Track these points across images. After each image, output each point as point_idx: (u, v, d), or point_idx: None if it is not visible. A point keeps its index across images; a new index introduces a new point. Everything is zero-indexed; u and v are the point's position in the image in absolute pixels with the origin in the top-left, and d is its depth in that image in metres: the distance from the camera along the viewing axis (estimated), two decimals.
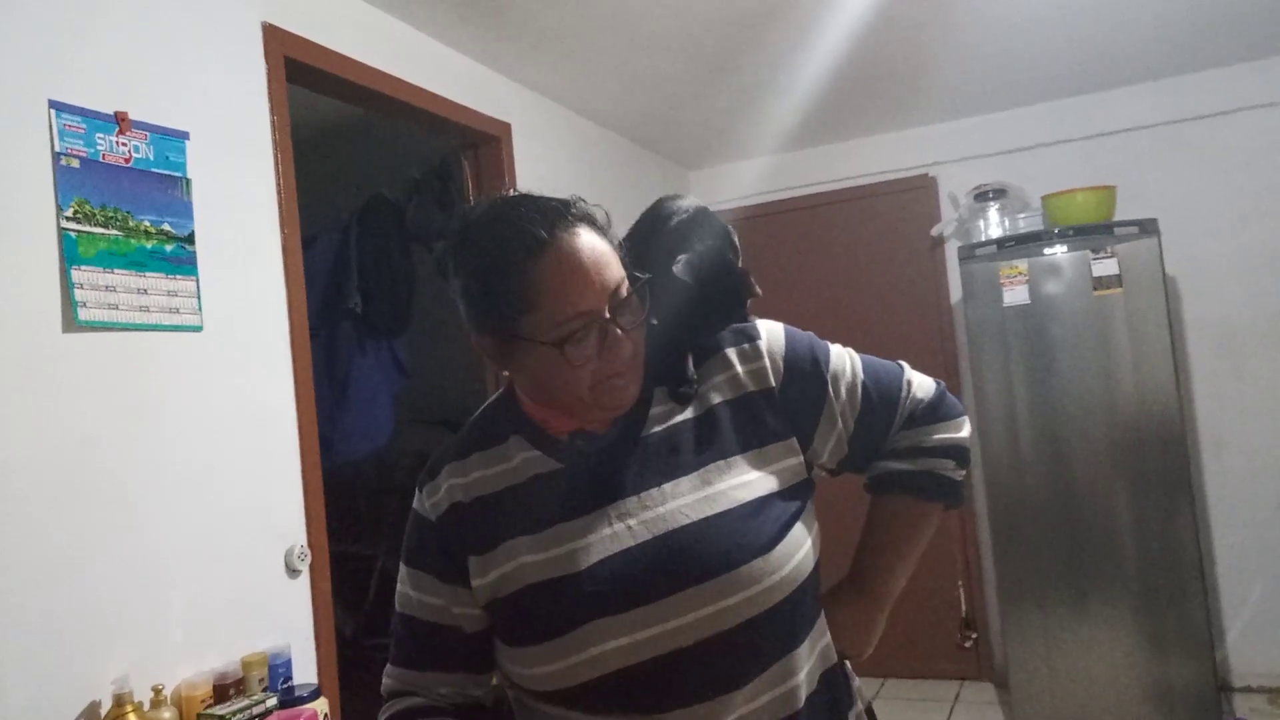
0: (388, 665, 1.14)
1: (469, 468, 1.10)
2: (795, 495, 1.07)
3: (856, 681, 1.18)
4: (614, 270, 1.01)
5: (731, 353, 1.11)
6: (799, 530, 1.05)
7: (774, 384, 1.10)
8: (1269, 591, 3.80)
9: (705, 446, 1.06)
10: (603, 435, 1.08)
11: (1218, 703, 3.34)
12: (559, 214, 1.01)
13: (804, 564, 1.04)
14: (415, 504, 1.14)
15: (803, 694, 1.03)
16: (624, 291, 1.01)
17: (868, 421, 1.13)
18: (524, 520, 1.05)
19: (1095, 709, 3.40)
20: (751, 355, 1.12)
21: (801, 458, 1.10)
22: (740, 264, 1.15)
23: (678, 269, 1.08)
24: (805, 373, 1.12)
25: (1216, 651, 3.58)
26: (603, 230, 1.04)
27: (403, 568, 1.13)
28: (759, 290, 1.13)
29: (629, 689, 0.98)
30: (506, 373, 1.11)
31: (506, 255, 0.99)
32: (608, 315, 0.99)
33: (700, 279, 1.09)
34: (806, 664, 1.05)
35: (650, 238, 1.15)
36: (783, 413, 1.09)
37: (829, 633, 1.12)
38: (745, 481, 1.04)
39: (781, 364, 1.11)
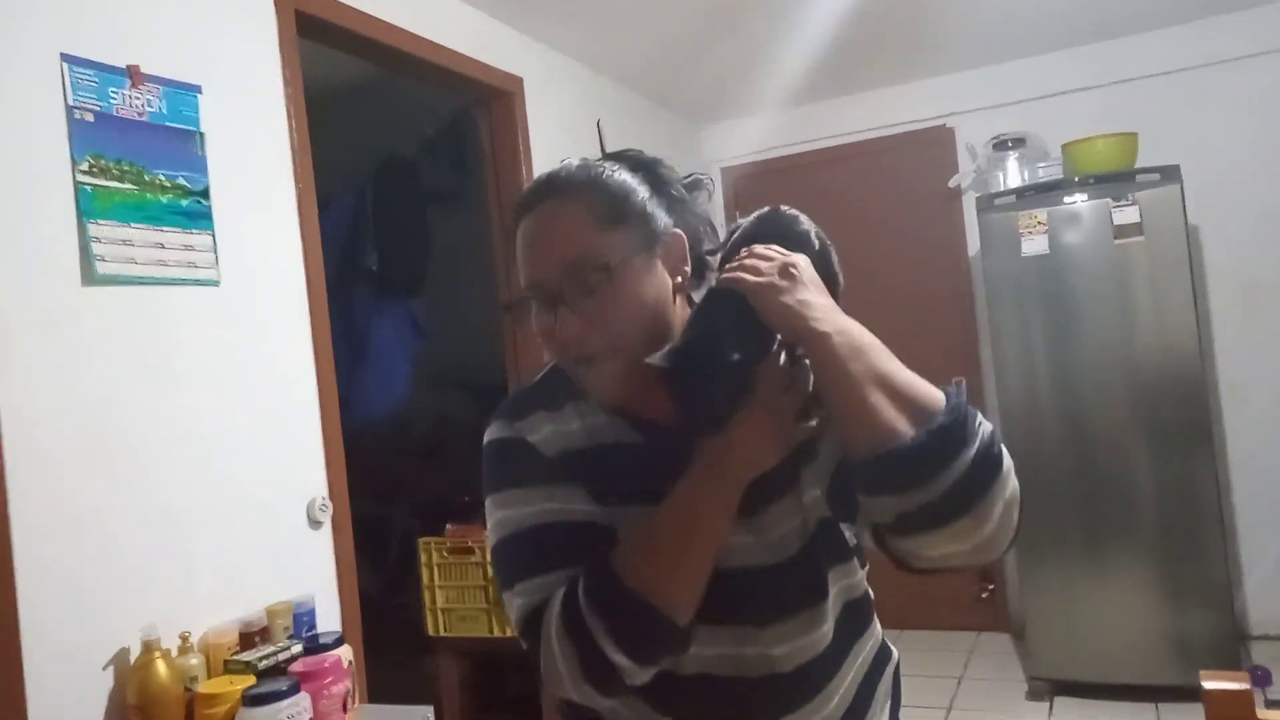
0: (517, 587, 0.98)
1: (567, 419, 1.04)
2: None
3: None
4: (577, 244, 0.96)
5: None
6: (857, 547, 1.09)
7: None
8: None
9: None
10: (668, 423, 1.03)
11: (1235, 651, 3.34)
12: (552, 180, 1.02)
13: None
14: (502, 433, 1.05)
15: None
16: (586, 269, 0.95)
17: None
18: (619, 487, 1.01)
19: (1112, 658, 3.41)
20: None
21: None
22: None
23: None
24: None
25: (1235, 600, 3.58)
26: (606, 202, 0.99)
27: (506, 492, 1.02)
28: None
29: (712, 695, 1.01)
30: None
31: (515, 210, 1.03)
32: (559, 290, 0.96)
33: None
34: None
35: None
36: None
37: None
38: (817, 497, 1.04)
39: None
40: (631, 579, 0.91)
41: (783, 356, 0.96)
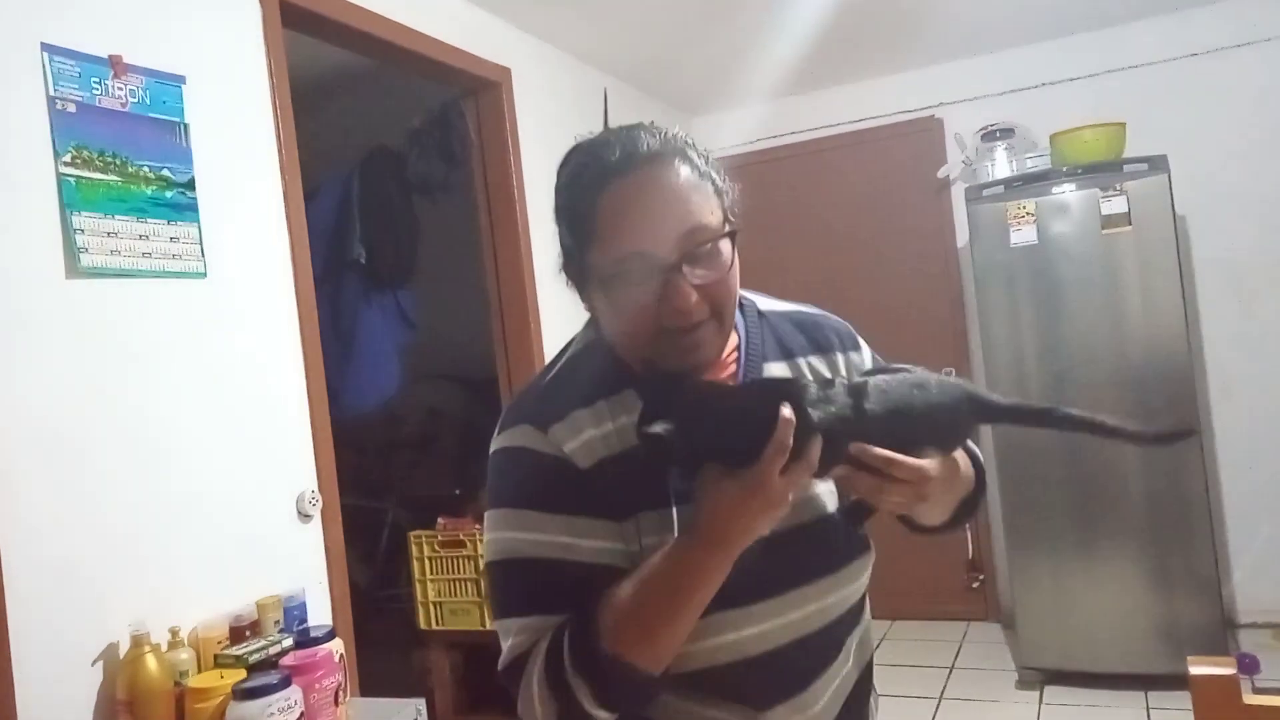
0: (505, 624, 0.98)
1: (602, 418, 0.98)
2: None
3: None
4: (693, 214, 0.93)
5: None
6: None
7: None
8: (1276, 529, 3.82)
9: None
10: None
11: (1223, 639, 3.36)
12: (645, 145, 0.95)
13: None
14: (533, 444, 0.98)
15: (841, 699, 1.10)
16: (703, 238, 0.93)
17: None
18: (653, 491, 0.97)
19: (1101, 647, 3.43)
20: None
21: None
22: None
23: None
24: None
25: (1223, 589, 3.60)
26: (699, 170, 0.96)
27: (521, 511, 0.98)
28: None
29: (744, 677, 1.00)
30: (587, 309, 1.04)
31: (580, 180, 0.96)
32: (674, 260, 0.91)
33: None
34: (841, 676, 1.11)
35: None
36: None
37: None
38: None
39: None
40: (617, 642, 0.90)
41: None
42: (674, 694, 1.00)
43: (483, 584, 1.03)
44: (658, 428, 0.86)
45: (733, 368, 1.05)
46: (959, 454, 1.05)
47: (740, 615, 0.97)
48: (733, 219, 0.98)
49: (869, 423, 0.90)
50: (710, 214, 0.95)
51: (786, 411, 0.85)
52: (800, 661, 1.03)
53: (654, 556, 0.92)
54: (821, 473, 0.90)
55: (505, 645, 0.98)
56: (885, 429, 0.91)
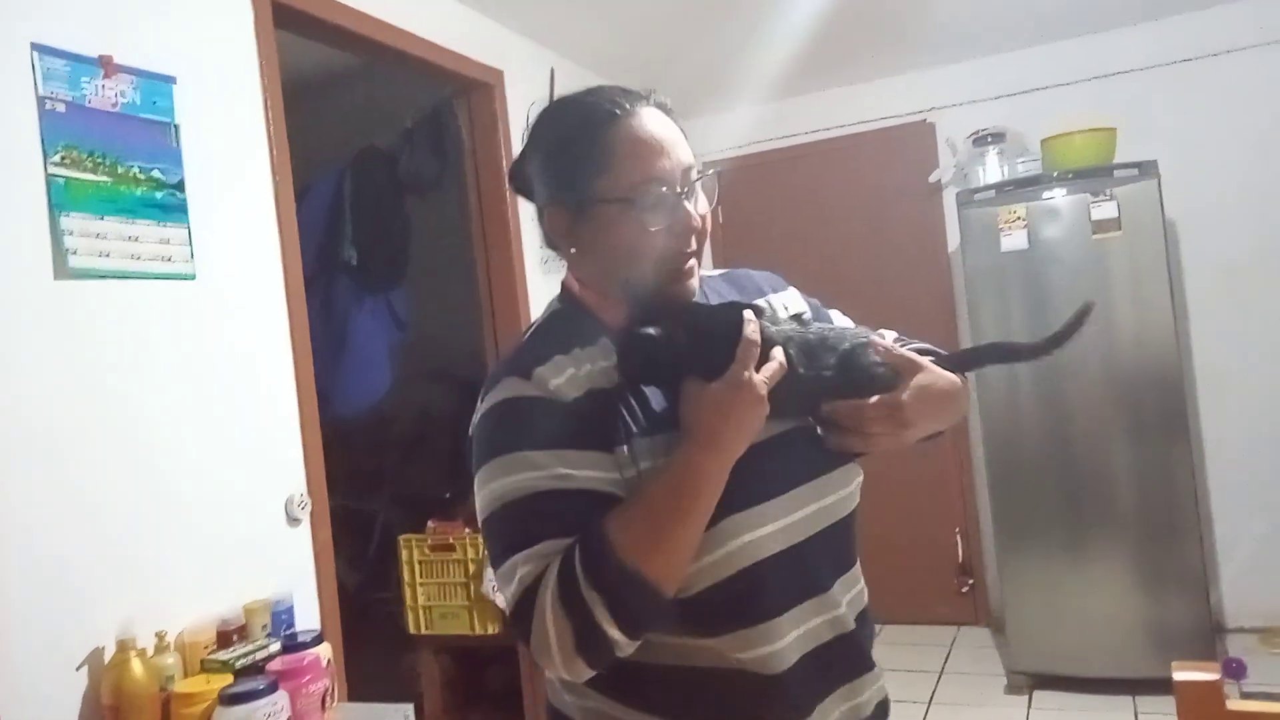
0: (512, 560, 0.97)
1: (581, 361, 1.03)
2: None
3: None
4: (686, 153, 1.06)
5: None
6: None
7: None
8: (1264, 534, 3.83)
9: None
10: None
11: (1212, 643, 3.37)
12: (637, 94, 1.08)
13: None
14: (515, 391, 1.01)
15: (857, 610, 1.13)
16: (694, 175, 1.05)
17: None
18: (640, 418, 1.02)
19: (1091, 651, 3.43)
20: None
21: None
22: None
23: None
24: None
25: (1211, 593, 3.61)
26: (677, 120, 1.09)
27: (510, 455, 0.99)
28: None
29: (765, 580, 1.01)
30: (573, 251, 1.09)
31: (588, 121, 1.05)
32: (679, 190, 1.03)
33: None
34: (857, 585, 1.15)
35: None
36: None
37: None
38: None
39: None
40: (629, 553, 0.91)
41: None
42: (690, 632, 1.01)
43: (484, 544, 1.03)
44: (649, 329, 0.98)
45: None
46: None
47: (746, 518, 1.00)
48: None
49: (811, 339, 1.06)
50: (692, 156, 1.07)
51: (749, 314, 0.99)
52: (816, 560, 1.07)
53: (656, 472, 0.97)
54: (798, 411, 1.06)
55: (511, 587, 0.96)
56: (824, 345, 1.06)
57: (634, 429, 1.01)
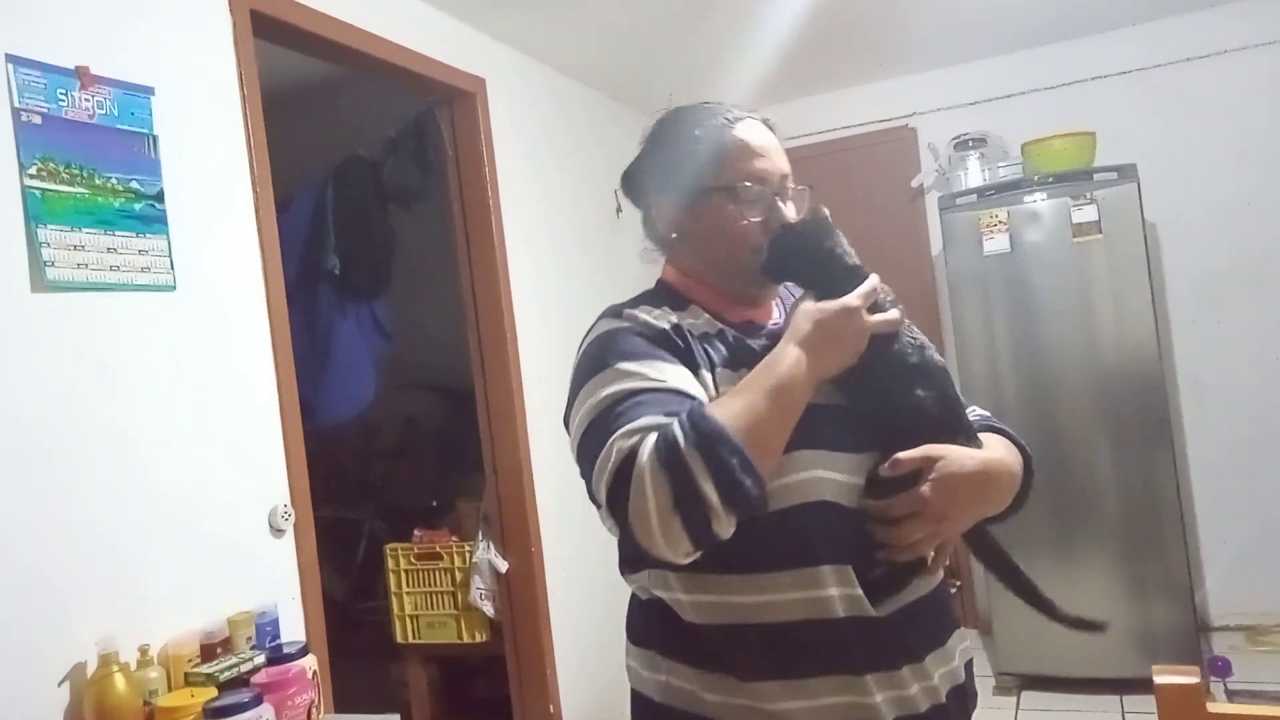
0: (609, 442, 0.99)
1: (669, 313, 1.16)
2: None
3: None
4: (784, 163, 1.23)
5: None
6: None
7: None
8: (1247, 533, 3.86)
9: None
10: (771, 325, 1.24)
11: (1197, 642, 3.39)
12: (745, 110, 1.26)
13: None
14: (611, 325, 1.15)
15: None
16: (789, 184, 1.22)
17: None
18: (722, 354, 1.14)
19: (1077, 652, 3.44)
20: None
21: None
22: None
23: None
24: None
25: (1196, 593, 3.64)
26: (779, 135, 1.26)
27: (607, 370, 1.07)
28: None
29: (809, 528, 1.06)
30: (675, 236, 1.24)
31: (702, 124, 1.23)
32: (775, 192, 1.19)
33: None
34: None
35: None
36: None
37: None
38: None
39: None
40: (732, 422, 0.96)
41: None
42: (746, 566, 1.05)
43: (578, 464, 1.06)
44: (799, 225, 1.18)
45: (774, 312, 1.28)
46: (995, 443, 1.33)
47: (819, 456, 1.08)
48: None
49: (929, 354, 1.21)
50: (789, 167, 1.24)
51: (876, 276, 1.15)
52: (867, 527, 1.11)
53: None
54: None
55: (609, 463, 0.97)
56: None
57: (716, 361, 1.12)
